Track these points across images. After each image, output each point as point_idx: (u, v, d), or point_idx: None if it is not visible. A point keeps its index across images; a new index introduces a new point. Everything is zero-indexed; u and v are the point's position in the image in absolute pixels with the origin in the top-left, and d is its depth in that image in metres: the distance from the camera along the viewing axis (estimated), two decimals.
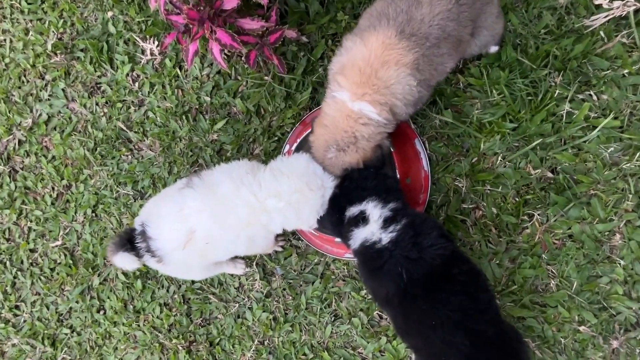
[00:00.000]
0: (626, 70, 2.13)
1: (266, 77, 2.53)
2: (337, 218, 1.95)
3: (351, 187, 1.95)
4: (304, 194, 1.97)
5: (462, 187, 2.30)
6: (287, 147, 2.46)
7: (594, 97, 2.18)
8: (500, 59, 2.24)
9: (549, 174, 2.21)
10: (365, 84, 1.82)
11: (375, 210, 1.87)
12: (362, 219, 1.88)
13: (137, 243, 2.10)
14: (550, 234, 2.21)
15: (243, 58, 2.36)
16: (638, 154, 2.10)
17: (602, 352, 2.15)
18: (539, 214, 2.22)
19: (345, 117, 1.88)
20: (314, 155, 2.03)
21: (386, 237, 1.83)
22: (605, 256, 2.15)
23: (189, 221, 2.01)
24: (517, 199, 2.24)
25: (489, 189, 2.27)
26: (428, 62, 1.84)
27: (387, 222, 1.84)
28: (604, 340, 2.15)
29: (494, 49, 2.23)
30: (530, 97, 2.20)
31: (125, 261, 2.09)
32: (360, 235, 1.88)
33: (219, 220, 2.00)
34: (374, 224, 1.86)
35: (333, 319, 2.48)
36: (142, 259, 2.14)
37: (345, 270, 2.47)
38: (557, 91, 2.18)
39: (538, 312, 2.22)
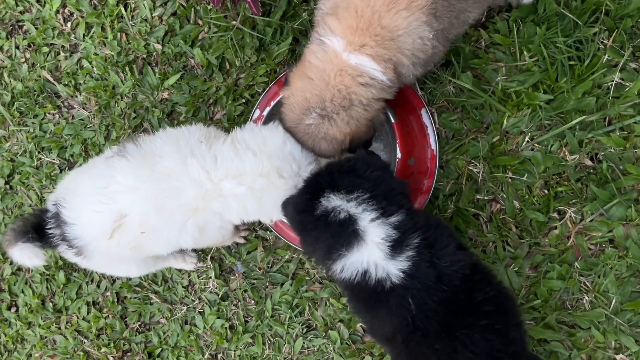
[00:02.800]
0: None
1: (234, 22, 2.02)
2: (304, 203, 1.42)
3: (345, 166, 1.42)
4: (271, 180, 1.55)
5: (478, 173, 1.88)
6: (257, 112, 2.01)
7: None
8: (536, 11, 1.81)
9: (588, 162, 1.81)
10: (364, 32, 1.42)
11: (374, 227, 1.34)
12: (352, 233, 1.35)
13: (49, 229, 1.65)
14: (585, 237, 1.82)
15: None
16: None
17: None
18: (572, 212, 1.82)
19: (338, 71, 1.46)
20: (283, 117, 1.59)
21: (396, 270, 1.33)
22: None
23: (117, 202, 1.56)
24: (546, 192, 1.84)
25: (510, 177, 1.86)
26: (448, 7, 1.43)
27: (394, 248, 1.33)
28: None
29: None
30: (572, 62, 1.77)
31: (24, 255, 1.64)
32: (354, 262, 1.36)
33: (158, 203, 1.56)
34: (375, 249, 1.34)
35: (305, 330, 2.07)
36: (57, 250, 1.68)
37: (323, 270, 2.02)
38: (606, 56, 1.77)
39: (565, 335, 1.83)
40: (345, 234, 1.35)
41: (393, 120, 1.77)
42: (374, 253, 1.35)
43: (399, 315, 1.36)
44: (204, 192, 1.55)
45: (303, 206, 1.43)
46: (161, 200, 1.55)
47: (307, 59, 1.52)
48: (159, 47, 2.14)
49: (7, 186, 2.30)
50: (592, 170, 1.81)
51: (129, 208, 1.56)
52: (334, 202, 1.36)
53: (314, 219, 1.39)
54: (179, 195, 1.55)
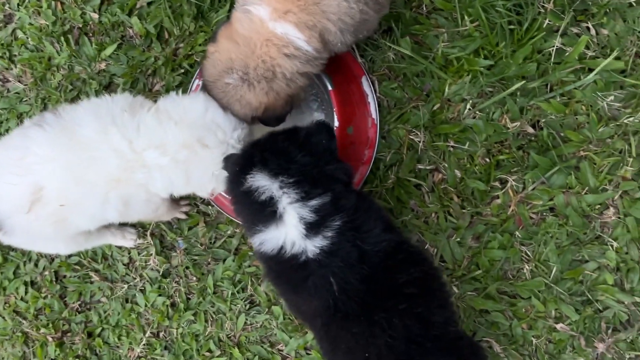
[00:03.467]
0: None
1: None
2: (235, 173, 1.42)
3: (280, 145, 1.41)
4: (194, 151, 1.51)
5: (419, 142, 1.85)
6: (197, 82, 1.95)
7: (592, 31, 1.76)
8: None
9: (530, 129, 1.80)
10: None
11: (291, 209, 1.35)
12: (271, 212, 1.36)
13: None
14: (527, 206, 1.81)
15: None
16: None
17: (583, 357, 1.79)
18: (514, 180, 1.81)
19: (264, 41, 1.44)
20: (204, 70, 1.56)
21: (313, 247, 1.34)
22: (594, 236, 1.77)
23: (33, 173, 1.51)
24: (487, 160, 1.82)
25: (452, 146, 1.84)
26: None
27: (312, 228, 1.34)
28: (586, 341, 1.78)
29: None
30: (512, 27, 1.77)
31: None
32: (271, 239, 1.38)
33: (76, 173, 1.51)
34: (293, 229, 1.35)
35: (248, 306, 2.03)
36: None
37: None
38: (547, 21, 1.76)
39: (506, 305, 1.82)
40: (265, 213, 1.37)
41: (330, 88, 1.73)
42: (290, 232, 1.36)
43: (320, 295, 1.35)
44: (125, 162, 1.50)
45: (232, 177, 1.43)
46: (80, 171, 1.50)
47: (233, 24, 1.48)
48: (96, 16, 2.07)
49: None
50: (533, 138, 1.79)
51: (46, 179, 1.50)
52: (259, 181, 1.37)
53: (239, 193, 1.41)
54: (99, 166, 1.50)
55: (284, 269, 1.39)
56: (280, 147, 1.40)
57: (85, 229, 1.66)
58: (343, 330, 1.36)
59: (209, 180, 1.57)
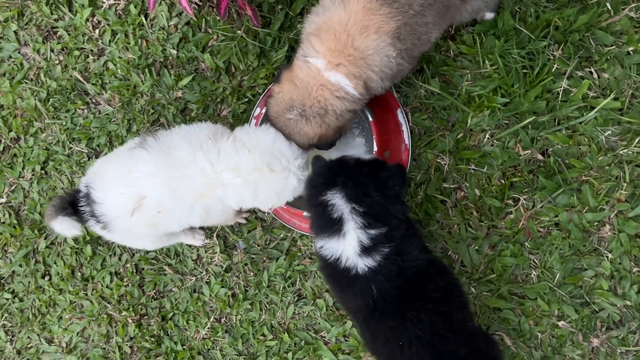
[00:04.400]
0: (631, 48, 1.96)
1: (239, 31, 2.29)
2: (318, 183, 1.70)
3: (362, 177, 1.67)
4: (263, 174, 1.78)
5: (445, 164, 2.13)
6: (258, 110, 2.26)
7: (595, 75, 2.01)
8: (496, 26, 2.05)
9: (539, 156, 2.05)
10: (340, 53, 1.67)
11: (354, 232, 1.63)
12: (337, 229, 1.64)
13: (81, 206, 1.92)
14: (535, 221, 2.06)
15: (214, 8, 2.12)
16: (637, 140, 1.94)
17: (580, 350, 2.01)
18: (525, 199, 2.06)
19: (319, 86, 1.73)
20: (270, 107, 1.85)
21: (363, 265, 1.63)
22: (592, 248, 2.01)
23: (137, 186, 1.83)
24: (502, 181, 2.08)
25: (473, 169, 2.10)
26: (410, 31, 1.67)
27: (366, 252, 1.63)
28: (583, 337, 2.03)
29: (489, 15, 2.04)
30: (525, 71, 2.03)
31: (64, 226, 1.89)
32: (332, 247, 1.67)
33: (172, 187, 1.82)
34: (350, 248, 1.64)
35: (296, 299, 2.32)
36: (87, 224, 1.95)
37: (313, 247, 2.29)
38: (556, 66, 2.00)
39: (516, 304, 2.08)
40: (332, 227, 1.65)
41: (371, 119, 2.05)
42: (347, 249, 1.64)
43: (363, 298, 1.64)
44: (208, 180, 1.78)
45: (316, 183, 1.70)
46: (174, 186, 1.79)
47: (294, 70, 1.77)
48: (174, 52, 2.40)
49: (43, 171, 2.56)
50: (542, 164, 2.05)
51: (147, 191, 1.81)
52: (337, 200, 1.64)
53: (316, 200, 1.68)
54: (188, 182, 1.79)
55: (337, 274, 1.68)
56: (362, 181, 1.66)
57: (173, 231, 1.99)
58: (381, 324, 1.63)
59: (271, 198, 1.85)
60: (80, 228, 1.89)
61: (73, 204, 1.91)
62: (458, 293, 1.72)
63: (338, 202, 1.64)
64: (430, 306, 1.59)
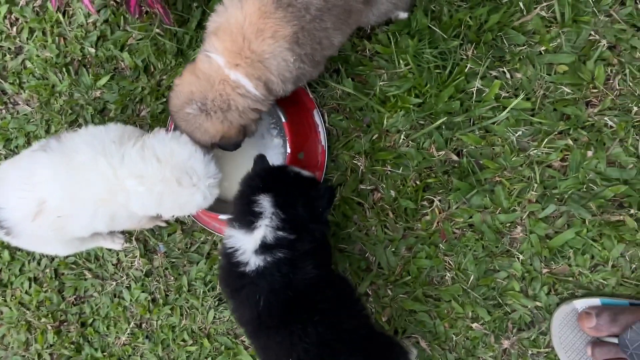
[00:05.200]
0: (543, 47, 1.95)
1: (156, 29, 2.24)
2: (256, 183, 1.67)
3: (295, 192, 1.66)
4: (170, 186, 1.72)
5: (361, 165, 2.09)
6: None
7: (507, 75, 1.99)
8: (410, 25, 2.02)
9: (454, 157, 2.03)
10: (237, 55, 1.64)
11: (263, 229, 1.60)
12: (250, 221, 1.62)
13: None
14: (450, 223, 2.04)
15: (124, 4, 2.06)
16: (546, 140, 1.93)
17: (492, 352, 2.01)
18: (439, 200, 2.04)
19: (221, 80, 1.69)
20: (170, 101, 1.80)
21: (254, 263, 1.61)
22: (504, 249, 2.00)
23: (37, 190, 1.77)
24: (417, 183, 2.05)
25: (389, 170, 2.08)
26: (309, 36, 1.63)
27: (262, 249, 1.60)
28: (495, 339, 2.01)
29: (403, 15, 2.01)
30: (438, 71, 2.00)
31: None
32: (236, 238, 1.65)
33: (71, 192, 1.76)
34: (252, 242, 1.61)
35: (217, 303, 2.29)
36: None
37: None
38: (469, 66, 1.98)
39: (431, 306, 2.06)
40: (247, 219, 1.63)
41: (284, 120, 2.01)
42: (248, 243, 1.62)
43: (250, 308, 1.61)
44: (110, 185, 1.73)
45: (254, 185, 1.68)
46: (74, 190, 1.74)
47: (197, 63, 1.73)
48: (93, 50, 2.34)
49: None
50: (456, 165, 2.03)
51: (48, 195, 1.75)
52: (264, 202, 1.62)
53: (246, 195, 1.66)
54: (89, 187, 1.74)
55: (228, 269, 1.65)
56: (293, 193, 1.64)
57: (80, 236, 1.93)
58: (269, 340, 1.60)
59: (174, 209, 1.81)
60: None
61: None
62: (350, 302, 1.70)
63: (265, 203, 1.62)
64: (317, 318, 1.55)
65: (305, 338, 1.54)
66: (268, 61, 1.64)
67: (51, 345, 2.44)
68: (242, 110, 1.73)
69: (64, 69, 2.38)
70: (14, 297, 2.47)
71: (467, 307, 2.02)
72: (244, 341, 2.26)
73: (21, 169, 1.83)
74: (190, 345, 2.29)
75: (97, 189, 1.76)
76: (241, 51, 1.63)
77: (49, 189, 1.77)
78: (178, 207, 1.81)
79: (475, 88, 1.99)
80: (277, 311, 1.59)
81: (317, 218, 1.69)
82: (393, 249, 2.09)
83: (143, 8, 2.13)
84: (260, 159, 1.78)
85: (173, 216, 1.87)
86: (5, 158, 2.46)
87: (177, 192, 1.75)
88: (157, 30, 2.26)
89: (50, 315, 2.42)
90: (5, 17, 2.46)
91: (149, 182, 1.73)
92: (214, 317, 2.28)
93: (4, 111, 2.49)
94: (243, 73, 1.66)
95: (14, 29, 2.46)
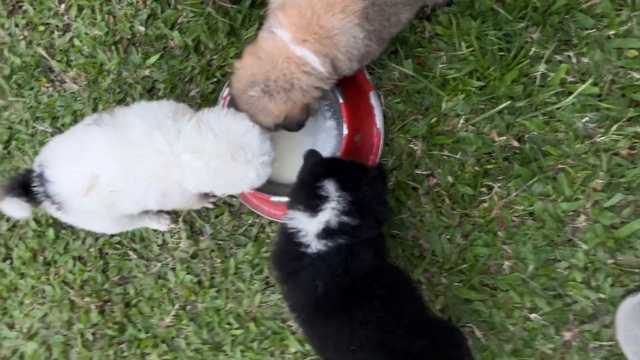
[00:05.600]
0: (612, 31, 1.88)
1: (208, 8, 2.20)
2: (318, 171, 1.69)
3: (356, 174, 1.69)
4: (226, 162, 1.71)
5: (417, 150, 2.05)
6: (227, 90, 2.16)
7: (573, 59, 1.93)
8: (472, 6, 1.97)
9: (515, 143, 1.98)
10: (306, 30, 1.60)
11: (328, 211, 1.61)
12: (315, 205, 1.62)
13: (34, 187, 1.82)
14: (509, 210, 1.99)
15: None
16: (615, 127, 1.86)
17: (552, 344, 1.96)
18: (499, 187, 1.99)
19: (285, 58, 1.65)
20: (231, 84, 1.77)
21: (315, 247, 1.60)
22: (566, 239, 1.94)
23: (91, 165, 1.75)
24: (476, 168, 2.01)
25: (446, 155, 2.03)
26: (379, 11, 1.60)
27: (325, 233, 1.59)
28: (555, 330, 1.96)
29: None
30: (502, 53, 1.94)
31: (12, 207, 1.80)
32: (299, 220, 1.64)
33: (125, 167, 1.74)
34: (315, 225, 1.61)
35: (264, 287, 2.25)
36: (42, 206, 1.86)
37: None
38: (534, 49, 1.93)
39: (487, 295, 2.01)
40: (313, 203, 1.62)
41: (341, 100, 1.97)
42: (313, 225, 1.60)
43: (307, 293, 1.58)
44: (165, 161, 1.70)
45: (316, 172, 1.69)
46: (128, 165, 1.72)
47: (259, 42, 1.70)
48: (143, 29, 2.31)
49: (5, 151, 2.49)
50: (517, 151, 1.98)
51: (101, 170, 1.73)
52: (329, 186, 1.62)
53: (311, 184, 1.66)
54: (143, 162, 1.71)
55: (286, 250, 1.63)
56: (356, 176, 1.67)
57: (129, 213, 1.91)
58: (328, 327, 1.57)
59: (226, 186, 1.78)
60: (29, 209, 1.80)
61: (25, 185, 1.83)
62: (408, 288, 1.67)
63: (330, 187, 1.63)
64: (377, 303, 1.53)
65: (366, 324, 1.51)
66: (337, 37, 1.60)
67: (94, 325, 2.42)
68: (305, 89, 1.69)
69: (112, 47, 2.36)
70: (57, 275, 2.46)
71: (525, 297, 1.97)
72: (291, 326, 2.22)
73: (74, 142, 1.80)
74: (236, 329, 2.26)
75: (152, 165, 1.73)
76: (309, 26, 1.59)
77: (102, 164, 1.75)
78: (231, 183, 1.78)
79: (540, 72, 1.93)
80: (336, 297, 1.55)
81: (379, 198, 1.68)
82: (448, 236, 2.04)
83: None
84: (312, 154, 1.78)
85: (224, 194, 1.84)
86: (52, 136, 2.44)
87: (232, 168, 1.72)
88: (208, 9, 2.22)
89: (94, 295, 2.41)
90: None
91: (206, 157, 1.70)
92: (261, 300, 2.25)
93: (51, 89, 2.47)
94: (310, 49, 1.62)
95: (62, 6, 2.44)
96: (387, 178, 1.79)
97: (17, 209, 1.79)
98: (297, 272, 1.62)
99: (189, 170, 1.72)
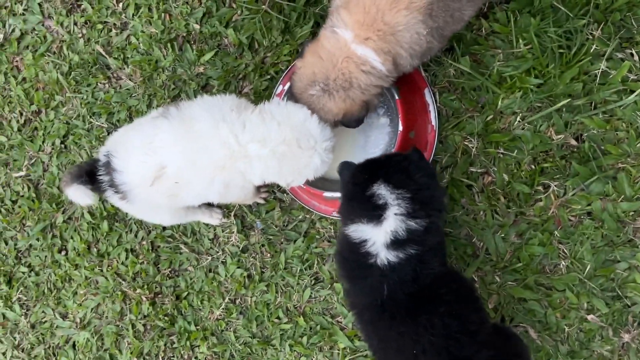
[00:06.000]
0: None
1: (264, 6, 2.24)
2: (362, 179, 1.64)
3: (401, 164, 1.63)
4: (291, 148, 1.73)
5: (472, 147, 2.04)
6: (280, 87, 2.22)
7: (635, 57, 1.90)
8: (532, 4, 1.96)
9: (573, 142, 1.96)
10: (369, 27, 1.61)
11: (393, 220, 1.55)
12: (377, 215, 1.57)
13: (100, 175, 1.88)
14: (566, 209, 1.97)
15: None
16: None
17: (610, 345, 1.92)
18: (556, 186, 1.97)
19: (345, 58, 1.67)
20: (293, 83, 1.80)
21: (384, 257, 1.57)
22: (626, 239, 1.91)
23: (158, 155, 1.79)
24: (533, 167, 1.99)
25: (502, 153, 2.02)
26: (443, 7, 1.61)
27: (395, 244, 1.56)
28: (614, 332, 1.93)
29: None
30: (562, 51, 1.93)
31: (78, 194, 1.86)
32: (363, 230, 1.60)
33: (192, 158, 1.77)
34: (382, 234, 1.56)
35: (313, 282, 2.27)
36: (104, 195, 1.91)
37: (332, 230, 2.24)
38: (594, 46, 1.91)
39: (542, 295, 1.99)
40: (374, 214, 1.58)
41: (397, 97, 1.98)
42: (379, 234, 1.57)
43: (373, 294, 1.57)
44: (231, 152, 1.73)
45: (360, 181, 1.64)
46: (194, 157, 1.75)
47: (320, 40, 1.73)
48: (198, 27, 2.36)
49: (62, 145, 2.56)
50: (575, 149, 1.96)
51: (168, 161, 1.77)
52: (382, 190, 1.57)
53: (362, 195, 1.61)
54: (209, 154, 1.74)
55: (353, 258, 1.61)
56: (402, 165, 1.61)
57: (190, 204, 1.96)
58: (391, 330, 1.55)
59: (292, 174, 1.79)
60: (94, 197, 1.86)
61: (91, 174, 1.88)
62: (473, 296, 1.65)
63: (383, 191, 1.58)
64: (443, 309, 1.51)
65: (432, 329, 1.49)
66: (400, 34, 1.62)
67: (145, 316, 2.47)
68: (364, 87, 1.71)
69: (168, 45, 2.40)
70: (110, 267, 2.52)
71: (582, 298, 1.94)
72: (340, 322, 2.23)
73: (142, 134, 1.84)
74: (285, 323, 2.28)
75: (217, 156, 1.76)
76: (373, 23, 1.61)
77: (169, 155, 1.78)
78: (297, 171, 1.79)
79: (600, 70, 1.91)
80: (402, 301, 1.55)
81: (436, 181, 1.65)
82: (502, 235, 2.03)
83: None
84: (345, 166, 1.74)
85: (288, 184, 1.86)
86: (107, 131, 2.51)
87: (297, 155, 1.74)
88: (263, 7, 2.26)
89: (145, 287, 2.46)
90: None
91: (272, 144, 1.72)
92: (310, 295, 2.26)
93: (107, 85, 2.53)
94: (372, 47, 1.64)
95: (120, 5, 2.50)
96: (422, 154, 1.72)
97: (82, 196, 1.85)
98: (365, 278, 1.61)
99: (255, 160, 1.74)
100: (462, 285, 1.67)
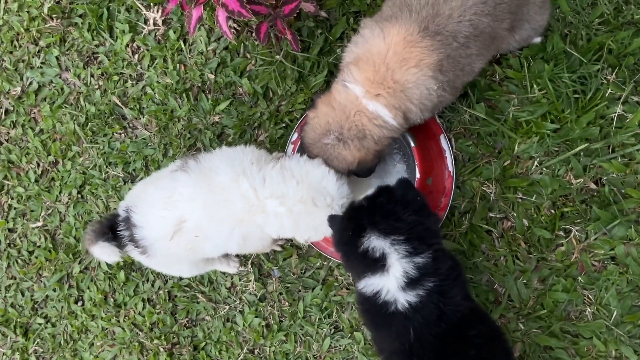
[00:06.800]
0: None
1: (277, 56, 2.27)
2: (348, 237, 1.63)
3: (385, 207, 1.60)
4: (307, 207, 1.74)
5: (491, 193, 2.04)
6: (295, 135, 2.22)
7: None
8: (544, 50, 1.98)
9: (592, 185, 1.95)
10: (379, 85, 1.64)
11: (398, 264, 1.54)
12: (380, 265, 1.55)
13: (120, 230, 1.89)
14: (589, 254, 1.94)
15: (253, 33, 2.11)
16: None
17: None
18: (577, 230, 1.95)
19: (357, 111, 1.70)
20: (305, 134, 1.82)
21: (404, 300, 1.54)
22: None
23: (178, 209, 1.79)
24: (552, 211, 1.98)
25: (520, 198, 2.01)
26: (453, 63, 1.63)
27: (410, 284, 1.53)
28: None
29: (537, 39, 1.97)
30: (577, 96, 1.94)
31: (104, 252, 1.86)
32: (373, 283, 1.58)
33: (211, 212, 1.78)
34: (393, 280, 1.54)
35: (333, 331, 2.24)
36: (125, 249, 1.92)
37: (350, 277, 2.21)
38: (609, 90, 1.91)
39: (569, 343, 1.95)
40: (377, 266, 1.57)
41: (413, 145, 1.98)
42: (390, 281, 1.55)
43: (399, 340, 1.55)
44: (249, 206, 1.74)
45: (347, 239, 1.62)
46: (214, 210, 1.76)
47: (333, 93, 1.75)
48: (212, 77, 2.40)
49: (79, 195, 2.57)
50: (595, 193, 1.95)
51: (187, 215, 1.77)
52: (374, 242, 1.56)
53: (357, 253, 1.59)
54: (228, 207, 1.75)
55: (374, 309, 1.59)
56: (387, 208, 1.58)
57: (210, 256, 1.95)
58: None
59: (309, 231, 1.80)
60: (119, 254, 1.86)
61: (112, 229, 1.88)
62: (500, 337, 1.62)
63: (375, 242, 1.56)
64: (473, 353, 1.48)
65: None
66: (410, 90, 1.64)
67: None
68: (377, 139, 1.73)
69: (183, 95, 2.44)
70: (127, 317, 2.50)
71: (610, 345, 1.90)
72: None
73: (162, 188, 1.85)
74: None
75: (237, 210, 1.76)
76: (383, 81, 1.63)
77: (189, 208, 1.78)
78: (313, 228, 1.80)
79: (617, 113, 1.92)
80: (430, 344, 1.52)
81: (426, 211, 1.61)
82: (525, 281, 2.00)
83: (271, 35, 2.17)
84: (333, 220, 1.71)
85: (306, 241, 1.85)
86: (124, 181, 2.53)
87: (313, 213, 1.75)
88: (278, 57, 2.29)
89: (163, 337, 2.43)
90: (127, 45, 2.55)
91: (290, 203, 1.73)
92: (330, 345, 2.23)
93: (123, 135, 2.56)
94: (383, 103, 1.66)
95: (136, 56, 2.54)
96: (411, 184, 1.70)
97: (109, 253, 1.85)
98: (389, 325, 1.58)
99: (272, 216, 1.75)
100: (492, 328, 1.64)
